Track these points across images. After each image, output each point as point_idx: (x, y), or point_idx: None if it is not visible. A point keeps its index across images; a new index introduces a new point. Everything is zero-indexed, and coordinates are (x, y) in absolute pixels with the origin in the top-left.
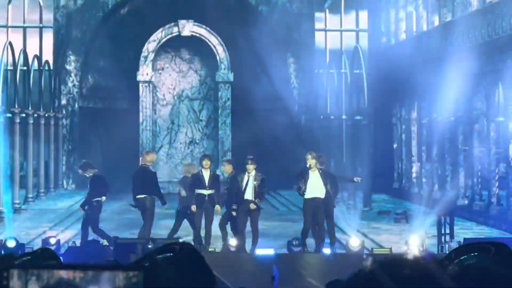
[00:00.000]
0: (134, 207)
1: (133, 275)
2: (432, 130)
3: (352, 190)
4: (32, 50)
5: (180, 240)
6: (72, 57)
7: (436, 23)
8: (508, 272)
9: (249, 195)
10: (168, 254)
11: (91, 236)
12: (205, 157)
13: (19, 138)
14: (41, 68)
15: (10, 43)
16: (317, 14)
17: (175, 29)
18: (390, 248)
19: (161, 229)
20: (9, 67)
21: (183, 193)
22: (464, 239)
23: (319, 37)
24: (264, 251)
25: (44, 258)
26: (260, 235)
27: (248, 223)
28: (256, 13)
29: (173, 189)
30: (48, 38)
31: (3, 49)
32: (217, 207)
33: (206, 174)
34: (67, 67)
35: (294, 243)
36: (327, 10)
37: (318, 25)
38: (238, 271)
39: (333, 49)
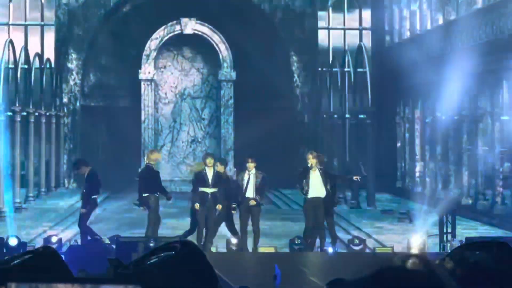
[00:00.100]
0: (138, 206)
1: None
2: (435, 129)
3: (356, 189)
4: (34, 48)
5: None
6: (74, 55)
7: (440, 21)
8: (509, 271)
9: (250, 193)
10: (169, 253)
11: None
12: (208, 156)
13: (20, 136)
14: (42, 66)
15: (11, 41)
16: (320, 13)
17: (177, 27)
18: (392, 247)
19: (164, 228)
20: (10, 65)
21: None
22: (466, 238)
23: (322, 35)
24: (266, 249)
25: (46, 256)
26: (262, 234)
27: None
28: (259, 11)
29: (175, 188)
30: (50, 36)
31: (4, 47)
32: (218, 206)
33: (210, 173)
34: (69, 65)
35: (296, 242)
36: (330, 8)
37: (321, 23)
38: (240, 269)
39: (336, 47)
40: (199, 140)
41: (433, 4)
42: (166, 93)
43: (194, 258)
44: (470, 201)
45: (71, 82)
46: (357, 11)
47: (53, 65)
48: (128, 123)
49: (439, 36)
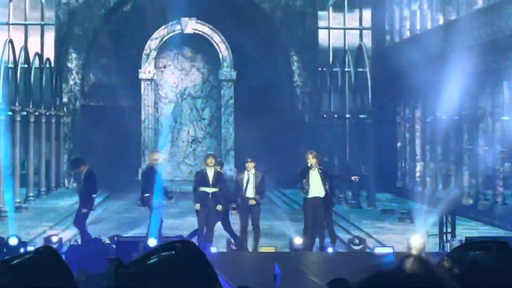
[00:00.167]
0: (139, 205)
1: None
2: (436, 129)
3: (356, 189)
4: (33, 48)
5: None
6: (74, 55)
7: (441, 21)
8: (509, 271)
9: (250, 193)
10: (169, 253)
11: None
12: (209, 156)
13: (20, 136)
14: (42, 65)
15: (11, 41)
16: (321, 12)
17: (178, 27)
18: (392, 247)
19: (164, 228)
20: (10, 65)
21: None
22: (466, 238)
23: (322, 35)
24: (266, 249)
25: (46, 256)
26: (262, 234)
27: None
28: (259, 11)
29: (175, 188)
30: (50, 35)
31: (4, 47)
32: (219, 206)
33: (210, 173)
34: (69, 64)
35: (296, 242)
36: (330, 8)
37: (321, 23)
38: (240, 269)
39: (336, 47)
40: (200, 140)
41: (434, 4)
42: (166, 93)
43: (194, 258)
44: (471, 201)
45: (71, 82)
46: (357, 10)
47: (53, 65)
48: (128, 123)
49: (439, 36)
